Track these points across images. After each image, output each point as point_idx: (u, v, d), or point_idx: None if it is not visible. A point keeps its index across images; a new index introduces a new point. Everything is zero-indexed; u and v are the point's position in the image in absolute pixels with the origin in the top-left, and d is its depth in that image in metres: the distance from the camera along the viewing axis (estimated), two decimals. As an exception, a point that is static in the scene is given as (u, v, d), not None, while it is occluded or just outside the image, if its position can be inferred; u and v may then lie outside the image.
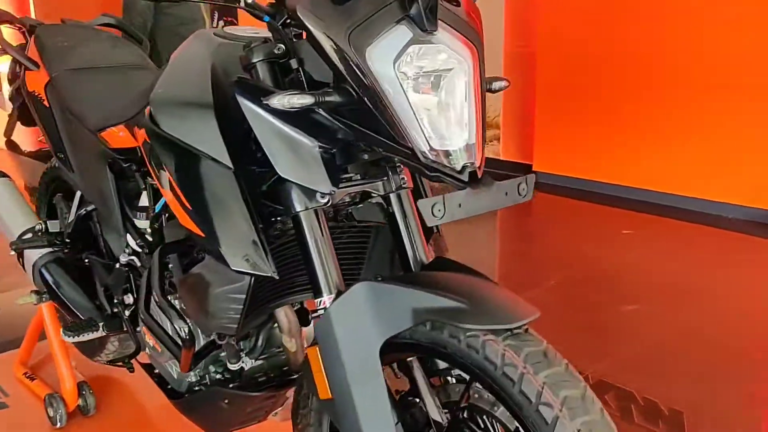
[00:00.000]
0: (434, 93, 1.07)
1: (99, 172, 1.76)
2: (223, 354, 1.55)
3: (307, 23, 1.06)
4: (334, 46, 1.04)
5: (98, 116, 1.74)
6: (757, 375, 2.58)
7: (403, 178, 1.31)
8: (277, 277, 1.23)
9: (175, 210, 1.31)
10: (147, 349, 1.69)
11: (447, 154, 1.07)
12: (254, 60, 1.20)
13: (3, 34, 2.06)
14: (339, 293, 1.20)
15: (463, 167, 1.07)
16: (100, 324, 1.83)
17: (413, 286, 1.14)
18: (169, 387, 1.67)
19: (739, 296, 3.29)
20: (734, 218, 4.47)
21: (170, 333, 1.48)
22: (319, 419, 1.40)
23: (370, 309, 1.13)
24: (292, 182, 1.18)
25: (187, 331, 1.34)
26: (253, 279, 1.24)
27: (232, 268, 1.21)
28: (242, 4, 1.17)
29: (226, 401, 1.49)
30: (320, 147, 1.17)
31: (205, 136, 1.24)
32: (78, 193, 1.95)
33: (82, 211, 1.92)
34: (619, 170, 4.88)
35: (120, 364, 1.87)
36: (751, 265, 3.77)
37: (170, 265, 1.46)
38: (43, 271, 1.95)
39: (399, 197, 1.31)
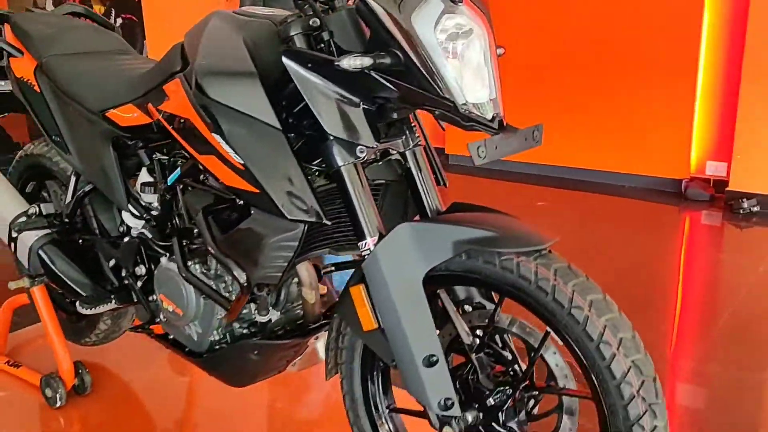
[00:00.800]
0: (462, 55, 1.27)
1: (101, 152, 1.85)
2: (245, 311, 1.69)
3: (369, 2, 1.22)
4: (389, 15, 1.22)
5: (100, 97, 1.82)
6: (659, 317, 2.96)
7: (417, 137, 1.50)
8: (329, 223, 1.40)
9: (218, 172, 1.44)
10: (162, 315, 1.80)
11: (477, 106, 1.27)
12: (292, 33, 1.36)
13: None
14: (381, 236, 1.37)
15: (493, 117, 1.28)
16: (112, 297, 1.92)
17: (448, 223, 1.34)
18: (187, 349, 1.78)
19: (636, 253, 3.70)
20: (631, 187, 4.94)
21: (216, 287, 1.60)
22: (351, 356, 1.58)
23: (412, 246, 1.32)
24: (334, 139, 1.35)
25: (245, 279, 1.47)
26: (306, 227, 1.40)
27: (289, 217, 1.36)
28: None
29: (256, 352, 1.63)
30: (362, 106, 1.35)
31: (253, 102, 1.38)
32: (73, 175, 2.01)
33: (81, 192, 1.99)
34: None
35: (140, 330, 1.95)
36: (646, 226, 4.21)
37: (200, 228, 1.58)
38: (41, 252, 2.01)
39: (414, 154, 1.50)
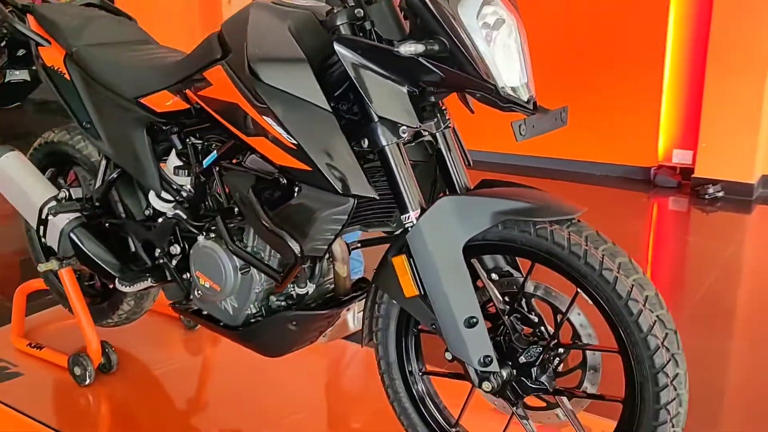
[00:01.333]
0: (499, 42, 1.41)
1: (134, 137, 1.95)
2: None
3: None
4: (439, 5, 1.35)
5: (135, 85, 1.92)
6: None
7: (447, 119, 1.64)
8: (378, 198, 1.52)
9: (268, 152, 1.56)
10: (198, 291, 1.90)
11: (514, 89, 1.41)
12: (338, 23, 1.48)
13: None
14: (422, 209, 1.51)
15: (528, 98, 1.42)
16: (148, 275, 2.01)
17: (485, 196, 1.48)
18: (222, 324, 1.89)
19: (609, 237, 3.89)
20: (603, 175, 5.15)
21: (266, 259, 1.72)
22: (387, 323, 1.71)
23: (453, 217, 1.46)
24: (380, 120, 1.47)
25: (299, 249, 1.58)
26: (355, 202, 1.52)
27: (342, 192, 1.48)
28: None
29: (294, 323, 1.75)
30: (407, 89, 1.48)
31: (304, 86, 1.50)
32: (102, 161, 2.10)
33: (111, 177, 2.08)
34: (500, 140, 5.44)
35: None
36: (617, 212, 4.42)
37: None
38: (72, 235, 2.08)
39: (444, 135, 1.64)
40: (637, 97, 4.95)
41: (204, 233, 1.87)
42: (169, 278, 2.01)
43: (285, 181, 1.62)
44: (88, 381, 2.22)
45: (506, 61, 1.41)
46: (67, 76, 2.04)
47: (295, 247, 1.56)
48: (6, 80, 2.34)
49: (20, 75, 2.36)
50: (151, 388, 2.31)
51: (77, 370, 2.22)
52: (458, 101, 1.63)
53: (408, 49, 1.36)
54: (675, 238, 4.27)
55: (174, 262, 1.98)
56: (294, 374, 2.36)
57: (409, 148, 1.70)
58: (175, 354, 2.51)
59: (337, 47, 1.46)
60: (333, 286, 1.81)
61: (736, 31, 4.46)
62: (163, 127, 1.91)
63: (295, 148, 1.50)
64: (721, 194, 4.61)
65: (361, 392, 2.33)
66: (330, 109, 1.50)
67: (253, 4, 1.68)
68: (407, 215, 1.52)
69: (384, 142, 1.51)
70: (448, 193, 1.66)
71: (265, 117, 1.53)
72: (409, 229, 1.50)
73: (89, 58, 2.01)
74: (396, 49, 1.38)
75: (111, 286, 2.35)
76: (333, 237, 1.57)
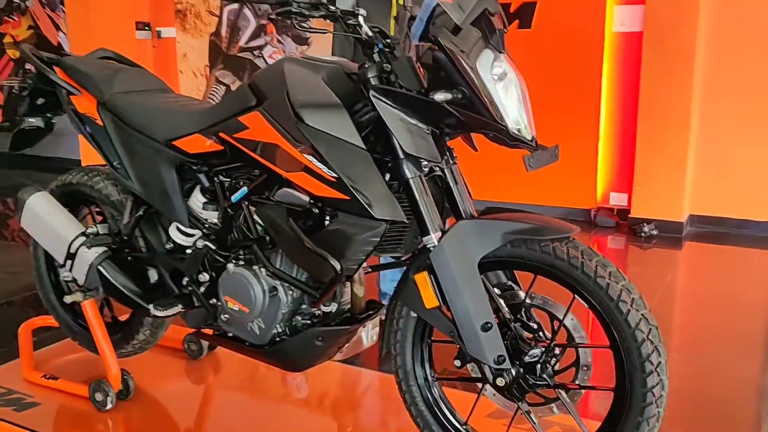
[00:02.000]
0: (506, 91, 1.72)
1: (164, 176, 2.16)
2: (303, 306, 2.03)
3: (448, 47, 1.65)
4: (463, 59, 1.64)
5: (166, 129, 2.14)
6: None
7: (455, 157, 1.92)
8: (407, 222, 1.78)
9: (308, 185, 1.80)
10: (225, 315, 2.10)
11: (519, 130, 1.71)
12: (370, 75, 1.76)
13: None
14: (443, 232, 1.78)
15: (532, 137, 1.72)
16: (177, 302, 2.20)
17: (496, 219, 1.76)
18: (248, 344, 2.10)
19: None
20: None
21: (302, 278, 1.94)
22: (404, 335, 1.96)
23: (470, 237, 1.73)
24: (405, 156, 1.74)
25: (339, 268, 1.81)
26: (387, 226, 1.77)
27: (377, 217, 1.73)
28: (363, 36, 1.74)
29: (320, 338, 1.97)
30: (431, 130, 1.76)
31: (343, 127, 1.76)
32: (129, 200, 2.29)
33: (138, 214, 2.27)
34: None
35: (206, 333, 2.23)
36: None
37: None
38: (100, 268, 2.26)
39: (452, 170, 1.92)
40: (576, 145, 5.39)
41: (233, 261, 2.08)
42: (196, 304, 2.20)
43: (318, 210, 1.87)
44: (109, 406, 2.37)
45: (512, 107, 1.72)
46: (99, 121, 2.25)
47: (336, 265, 1.80)
48: (22, 127, 2.52)
49: (35, 122, 2.55)
50: (162, 413, 2.47)
51: (98, 396, 2.37)
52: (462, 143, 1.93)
53: (440, 96, 1.66)
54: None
55: (202, 289, 2.18)
56: (300, 398, 2.56)
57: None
58: (182, 381, 2.67)
59: (372, 95, 1.74)
60: (349, 306, 2.05)
61: (662, 86, 4.98)
62: (193, 167, 2.13)
63: (335, 180, 1.75)
64: (655, 232, 5.05)
65: (369, 417, 2.54)
66: (365, 148, 1.77)
67: (284, 59, 1.95)
68: (429, 237, 1.78)
69: (409, 175, 1.78)
70: (455, 220, 1.94)
71: (305, 154, 1.78)
72: (432, 249, 1.76)
73: (121, 105, 2.23)
74: (432, 97, 1.66)
75: (123, 319, 2.52)
76: (365, 257, 1.82)
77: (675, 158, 5.04)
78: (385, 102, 1.74)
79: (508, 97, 1.71)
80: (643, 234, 5.07)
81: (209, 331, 2.24)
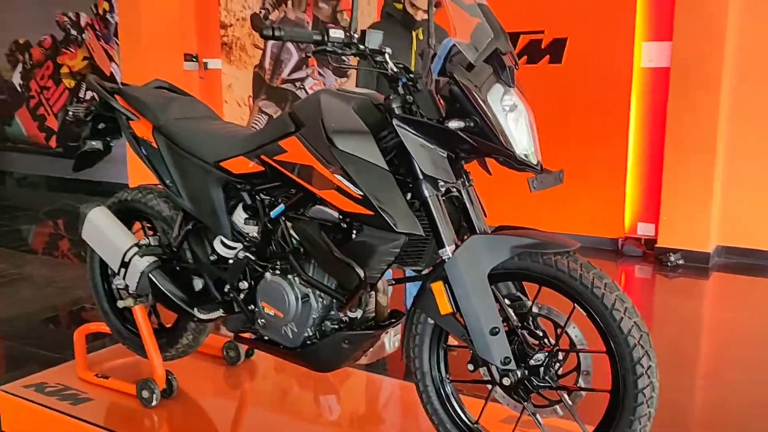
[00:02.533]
0: (514, 121, 1.92)
1: (212, 194, 2.40)
2: (332, 312, 2.25)
3: (462, 82, 1.87)
4: (476, 93, 1.86)
5: (215, 151, 2.38)
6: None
7: (471, 179, 2.13)
8: (423, 235, 1.99)
9: (338, 202, 2.01)
10: (262, 320, 2.32)
11: (526, 155, 1.92)
12: (394, 105, 1.98)
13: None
14: (456, 245, 1.98)
15: (537, 162, 1.93)
16: (219, 307, 2.43)
17: (505, 235, 1.96)
18: (282, 346, 2.31)
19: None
20: (575, 246, 5.67)
21: (331, 285, 2.16)
22: (422, 340, 2.15)
23: (481, 251, 1.93)
24: (424, 177, 1.95)
25: (364, 275, 2.02)
26: (407, 238, 1.98)
27: (399, 230, 1.93)
28: (389, 71, 1.97)
29: (347, 341, 2.18)
30: (447, 154, 1.97)
31: (370, 151, 1.98)
32: (179, 215, 2.54)
33: (187, 228, 2.52)
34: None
35: (246, 336, 2.45)
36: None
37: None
38: (151, 276, 2.51)
39: (468, 191, 2.12)
40: (605, 176, 5.55)
41: (270, 270, 2.31)
42: (236, 309, 2.43)
43: (346, 225, 2.09)
44: (154, 403, 2.59)
45: (521, 135, 1.92)
46: (154, 144, 2.51)
47: (361, 273, 2.01)
48: (85, 149, 2.81)
49: (96, 145, 2.83)
50: (201, 413, 2.68)
51: (145, 393, 2.60)
52: (478, 168, 2.14)
53: (454, 124, 1.87)
54: (642, 300, 4.78)
55: (242, 296, 2.41)
56: (328, 407, 2.77)
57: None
58: (220, 384, 2.90)
59: (396, 123, 1.96)
60: (373, 314, 2.25)
61: (689, 118, 5.13)
62: (237, 186, 2.38)
63: (361, 198, 1.97)
64: (681, 262, 5.16)
65: (394, 423, 2.73)
66: (388, 169, 1.99)
67: (320, 90, 2.18)
68: (444, 250, 1.99)
69: (427, 194, 1.99)
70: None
71: (336, 175, 2.01)
72: (446, 260, 1.97)
73: (174, 130, 2.49)
74: (446, 125, 1.88)
75: (168, 326, 2.76)
76: (386, 267, 2.03)
77: (701, 189, 5.16)
78: (407, 129, 1.96)
79: (517, 126, 1.92)
80: (669, 263, 5.18)
81: (247, 335, 2.46)
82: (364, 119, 2.05)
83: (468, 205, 2.10)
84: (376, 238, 2.00)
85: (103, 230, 2.64)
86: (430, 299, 2.00)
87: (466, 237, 2.03)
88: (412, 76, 2.01)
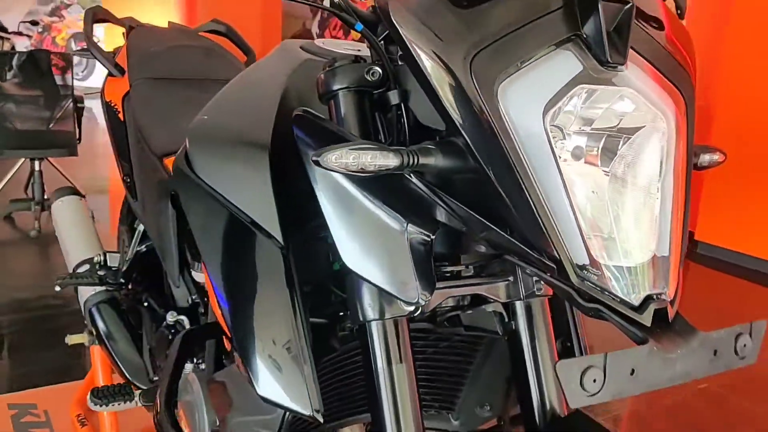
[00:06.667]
0: (606, 165, 0.65)
1: (161, 206, 1.44)
2: None
3: (403, 31, 0.66)
4: (445, 74, 0.63)
5: (166, 139, 1.41)
6: None
7: (538, 281, 0.88)
8: (321, 419, 0.83)
9: (207, 285, 0.95)
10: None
11: (619, 273, 0.63)
12: (335, 87, 0.82)
13: (94, 34, 1.81)
14: None
15: (646, 300, 0.63)
16: (137, 393, 1.50)
17: None
18: None
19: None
20: None
21: None
22: None
23: None
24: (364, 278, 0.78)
25: None
26: (287, 413, 0.85)
27: (258, 393, 0.82)
28: (326, 2, 0.79)
29: None
30: (412, 231, 0.76)
31: (251, 191, 0.87)
32: (141, 227, 1.64)
33: (143, 248, 1.61)
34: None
35: None
36: None
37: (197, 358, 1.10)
38: (94, 311, 1.66)
39: (529, 308, 0.89)
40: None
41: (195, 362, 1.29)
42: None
43: None
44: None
45: (614, 208, 0.66)
46: (121, 116, 1.62)
47: None
48: None
49: None
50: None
51: None
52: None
53: (341, 160, 0.69)
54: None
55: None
56: None
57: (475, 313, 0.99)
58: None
59: (295, 133, 0.82)
60: None
61: None
62: None
63: (217, 293, 0.88)
64: None
65: None
66: (280, 241, 0.86)
67: (281, 44, 1.12)
68: None
69: (369, 316, 0.85)
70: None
71: None
72: None
73: (142, 97, 1.57)
74: (314, 156, 0.69)
75: None
76: None
77: None
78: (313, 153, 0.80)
79: (613, 184, 0.66)
80: None
81: None
82: None
83: (525, 342, 0.91)
84: (237, 389, 0.96)
85: (61, 229, 1.85)
86: None
87: None
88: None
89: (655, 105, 0.68)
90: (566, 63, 0.65)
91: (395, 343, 0.82)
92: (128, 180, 1.62)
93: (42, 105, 4.69)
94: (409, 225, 0.77)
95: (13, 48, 7.13)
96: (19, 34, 7.66)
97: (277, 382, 0.83)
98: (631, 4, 0.66)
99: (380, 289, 0.79)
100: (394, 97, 0.81)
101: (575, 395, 0.63)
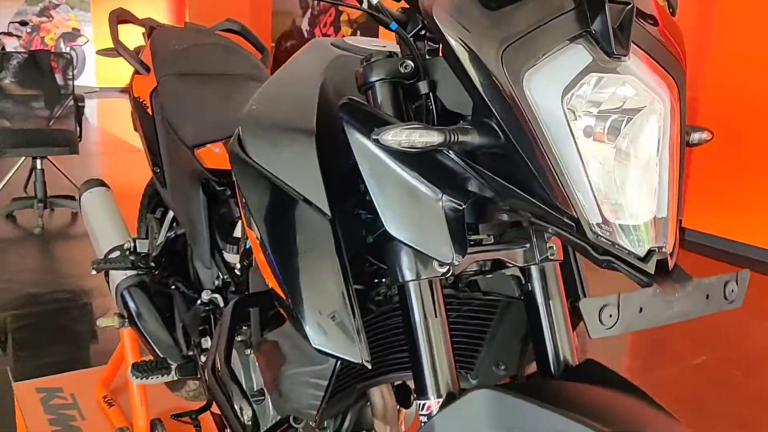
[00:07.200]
0: (612, 141, 0.77)
1: (191, 193, 1.55)
2: None
3: (444, 29, 0.77)
4: (480, 65, 0.75)
5: (196, 130, 1.53)
6: None
7: (551, 247, 1.01)
8: (369, 366, 0.95)
9: (257, 256, 1.06)
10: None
11: (626, 230, 0.75)
12: (372, 79, 0.93)
13: (120, 35, 1.91)
14: (449, 397, 0.89)
15: (649, 252, 0.75)
16: (173, 366, 1.61)
17: (546, 404, 0.82)
18: None
19: None
20: None
21: (234, 406, 1.22)
22: None
23: (486, 424, 0.82)
24: (404, 243, 0.90)
25: (251, 415, 1.08)
26: (338, 362, 0.97)
27: (313, 345, 0.94)
28: (365, 5, 0.91)
29: None
30: (446, 200, 0.88)
31: (300, 171, 0.99)
32: (170, 214, 1.75)
33: (172, 234, 1.72)
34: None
35: (186, 419, 1.60)
36: None
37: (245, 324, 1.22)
38: (126, 294, 1.77)
39: (543, 272, 1.01)
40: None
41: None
42: (198, 375, 1.58)
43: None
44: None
45: (619, 175, 0.79)
46: (150, 110, 1.73)
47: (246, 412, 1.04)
48: None
49: None
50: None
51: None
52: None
53: (398, 137, 0.80)
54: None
55: (203, 358, 1.55)
56: None
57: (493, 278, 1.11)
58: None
59: (342, 119, 0.94)
60: None
61: None
62: (217, 188, 1.50)
63: (273, 260, 1.00)
64: None
65: None
66: (328, 213, 1.01)
67: (311, 42, 1.23)
68: (423, 403, 0.93)
69: (407, 276, 0.98)
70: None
71: None
72: (423, 423, 0.90)
73: (170, 92, 1.68)
74: (374, 135, 0.82)
75: None
76: (320, 402, 1.03)
77: None
78: (361, 136, 0.92)
79: (620, 156, 0.78)
80: None
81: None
82: None
83: (539, 301, 1.03)
84: (290, 346, 1.07)
85: (91, 219, 1.96)
86: None
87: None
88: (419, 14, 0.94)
89: (652, 90, 0.80)
90: (579, 55, 0.77)
91: (430, 300, 0.93)
92: (157, 170, 1.73)
93: (43, 104, 4.78)
94: (444, 195, 0.89)
95: (3, 48, 7.18)
96: (9, 34, 7.71)
97: (329, 335, 0.94)
98: (632, 5, 0.78)
99: (417, 252, 0.91)
100: (423, 86, 0.93)
101: (595, 328, 0.75)
